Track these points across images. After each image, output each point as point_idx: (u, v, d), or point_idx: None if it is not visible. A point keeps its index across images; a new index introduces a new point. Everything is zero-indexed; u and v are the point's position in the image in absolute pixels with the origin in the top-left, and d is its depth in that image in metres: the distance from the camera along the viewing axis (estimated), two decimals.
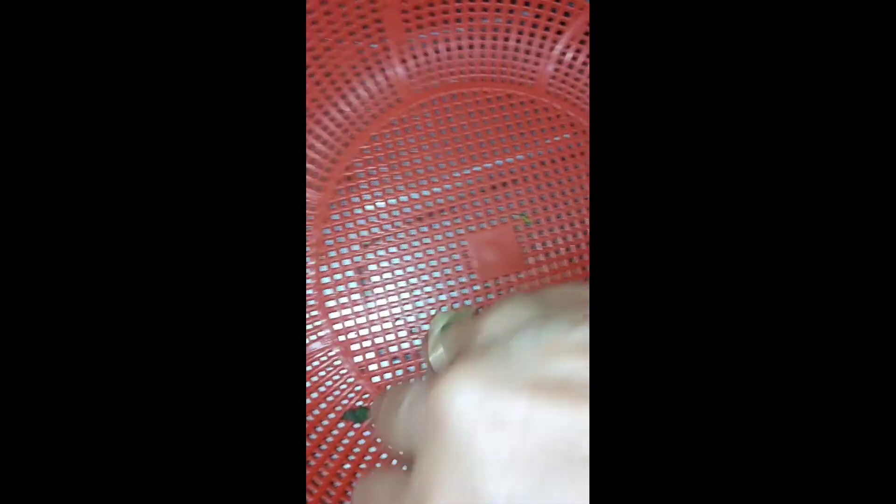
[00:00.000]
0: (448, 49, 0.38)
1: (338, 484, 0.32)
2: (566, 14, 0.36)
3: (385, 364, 0.35)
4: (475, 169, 0.37)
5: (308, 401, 0.34)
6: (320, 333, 0.35)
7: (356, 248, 0.36)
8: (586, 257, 0.36)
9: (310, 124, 0.36)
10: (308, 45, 0.34)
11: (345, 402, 0.34)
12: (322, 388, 0.34)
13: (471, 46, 0.38)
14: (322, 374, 0.34)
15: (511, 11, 0.37)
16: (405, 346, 0.35)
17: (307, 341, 0.35)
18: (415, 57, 0.38)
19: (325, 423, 0.33)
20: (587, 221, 0.36)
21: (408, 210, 0.36)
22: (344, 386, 0.34)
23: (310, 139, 0.36)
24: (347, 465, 0.33)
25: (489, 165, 0.37)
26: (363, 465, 0.33)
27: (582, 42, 0.37)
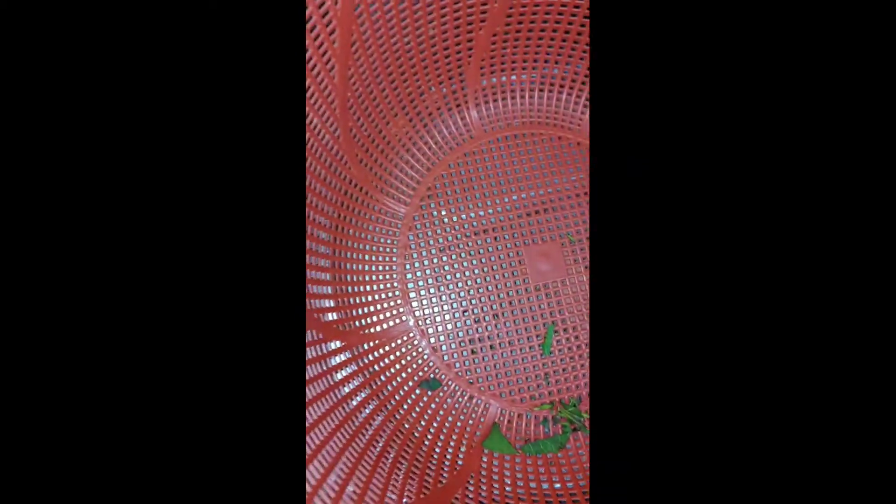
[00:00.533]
0: (513, 98, 0.47)
1: (416, 435, 0.40)
2: None
3: (454, 346, 0.43)
4: (531, 194, 0.46)
5: (391, 371, 0.42)
6: (403, 318, 0.43)
7: (434, 251, 0.44)
8: None
9: (401, 152, 0.45)
10: (408, 89, 0.43)
11: (420, 373, 0.43)
12: (403, 362, 0.43)
13: (531, 97, 0.47)
14: (403, 350, 0.43)
15: (567, 65, 0.46)
16: (471, 332, 0.43)
17: (394, 324, 0.43)
18: (486, 103, 0.47)
19: (405, 388, 0.42)
20: None
21: (476, 224, 0.45)
22: (420, 361, 0.43)
23: (401, 163, 0.45)
24: (423, 422, 0.41)
25: (542, 192, 0.46)
26: (435, 424, 0.41)
27: None
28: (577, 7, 0.41)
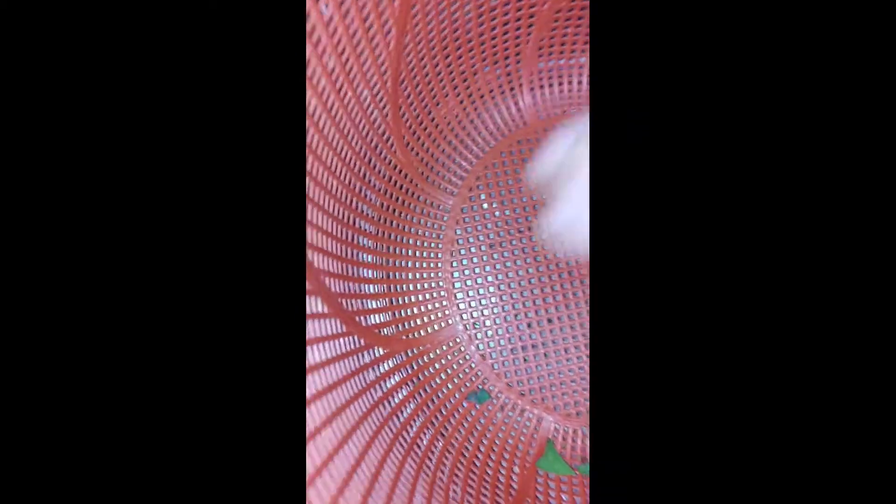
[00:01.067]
0: (569, 83, 0.43)
1: (466, 453, 0.35)
2: None
3: (504, 353, 0.39)
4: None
5: (438, 380, 0.37)
6: (450, 321, 0.39)
7: (483, 248, 0.40)
8: None
9: (450, 137, 0.41)
10: (461, 67, 0.39)
11: (468, 383, 0.38)
12: (449, 370, 0.38)
13: (589, 82, 0.43)
14: (450, 357, 0.38)
15: None
16: (523, 337, 0.39)
17: (439, 327, 0.39)
18: (541, 87, 0.42)
19: (453, 400, 0.37)
20: None
21: (530, 219, 0.41)
22: (468, 369, 0.38)
23: (449, 150, 0.41)
24: (472, 438, 0.36)
25: None
26: (485, 440, 0.36)
27: None
28: None
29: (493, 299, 0.39)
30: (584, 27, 0.40)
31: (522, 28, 0.39)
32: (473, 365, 0.38)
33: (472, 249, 0.40)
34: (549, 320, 0.39)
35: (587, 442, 0.38)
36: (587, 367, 0.39)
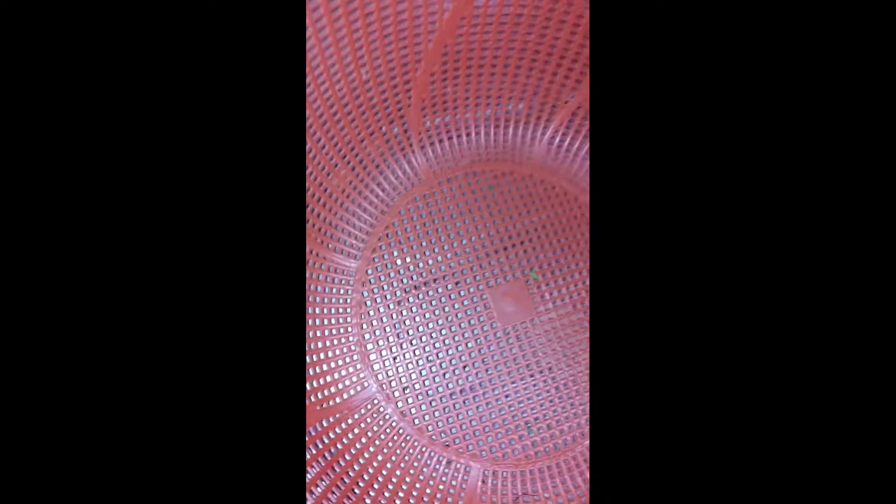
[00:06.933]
0: (458, 137, 0.43)
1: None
2: (553, 107, 0.43)
3: (423, 407, 0.37)
4: (489, 233, 0.41)
5: (359, 445, 0.36)
6: (365, 384, 0.37)
7: (392, 305, 0.39)
8: (587, 303, 0.40)
9: (346, 203, 0.40)
10: (347, 137, 0.39)
11: (390, 444, 0.36)
12: (369, 434, 0.36)
13: (477, 134, 0.43)
14: (368, 420, 0.37)
15: (510, 100, 0.43)
16: (440, 389, 0.38)
17: (354, 392, 0.37)
18: (432, 144, 0.43)
19: (372, 467, 0.35)
20: (585, 273, 0.41)
21: (434, 271, 0.40)
22: (389, 430, 0.37)
23: (346, 215, 0.40)
24: (398, 501, 0.34)
25: (500, 230, 0.41)
26: (412, 502, 0.35)
27: (567, 128, 0.43)
28: (510, 49, 0.38)
29: (406, 355, 0.38)
30: (460, 86, 0.41)
31: (401, 94, 0.39)
32: (394, 425, 0.37)
33: (381, 309, 0.39)
34: (465, 367, 0.38)
35: (517, 482, 0.36)
36: (507, 408, 0.38)
